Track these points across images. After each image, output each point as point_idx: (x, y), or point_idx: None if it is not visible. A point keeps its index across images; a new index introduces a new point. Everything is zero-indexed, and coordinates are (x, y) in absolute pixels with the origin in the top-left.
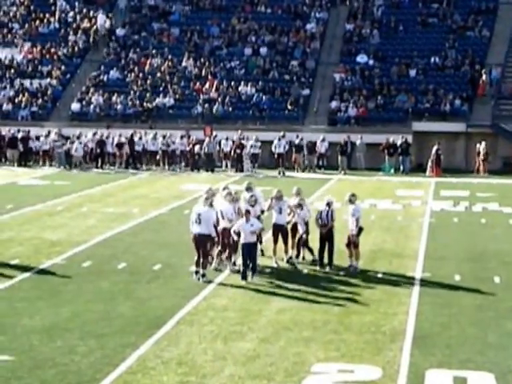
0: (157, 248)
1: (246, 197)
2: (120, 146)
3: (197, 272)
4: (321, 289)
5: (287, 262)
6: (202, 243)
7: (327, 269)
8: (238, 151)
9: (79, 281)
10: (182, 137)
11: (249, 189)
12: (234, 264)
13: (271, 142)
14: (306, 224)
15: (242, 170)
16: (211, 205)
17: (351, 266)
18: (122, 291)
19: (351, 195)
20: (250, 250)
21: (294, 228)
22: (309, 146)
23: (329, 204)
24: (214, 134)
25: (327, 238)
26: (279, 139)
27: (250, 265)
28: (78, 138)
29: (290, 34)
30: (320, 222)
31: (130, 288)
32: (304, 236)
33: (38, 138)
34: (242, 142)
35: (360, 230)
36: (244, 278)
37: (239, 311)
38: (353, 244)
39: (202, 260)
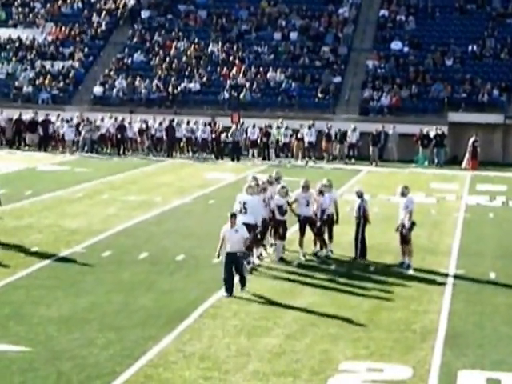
0: (180, 238)
1: (275, 188)
2: (141, 132)
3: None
4: (349, 284)
5: (315, 254)
6: (248, 232)
7: (361, 260)
8: (265, 139)
9: (99, 271)
10: (205, 124)
11: (278, 178)
12: (259, 257)
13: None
14: (323, 212)
15: (268, 159)
16: (261, 191)
17: (403, 263)
18: (143, 282)
19: (404, 187)
20: (235, 260)
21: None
22: (339, 135)
23: (362, 194)
24: (241, 121)
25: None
26: (309, 128)
27: (238, 276)
28: (68, 121)
29: (322, 18)
30: (365, 214)
31: (151, 279)
32: (318, 224)
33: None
34: (269, 130)
35: (413, 224)
36: (228, 291)
37: (264, 306)
38: (404, 239)
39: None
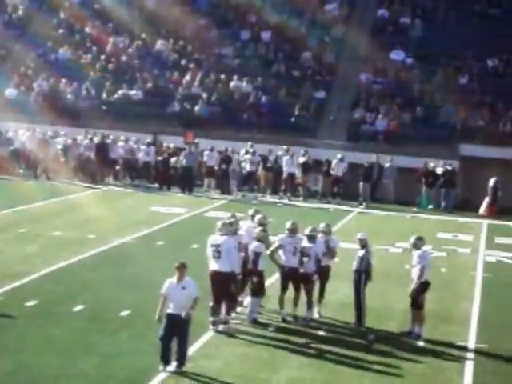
0: (123, 288)
1: (253, 230)
2: (65, 149)
3: (214, 322)
4: (344, 356)
5: (295, 317)
6: (223, 284)
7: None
8: (224, 166)
9: (23, 324)
10: (148, 143)
11: (261, 224)
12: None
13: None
14: (318, 262)
15: (228, 192)
16: (234, 233)
17: (411, 333)
18: (81, 342)
19: (417, 239)
20: (176, 325)
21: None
22: (322, 166)
23: (366, 244)
24: (196, 141)
25: None
26: (291, 156)
27: (177, 347)
28: None
29: (304, 15)
30: (368, 268)
31: (91, 339)
32: (315, 278)
33: None
34: (229, 154)
35: (425, 284)
36: (165, 361)
37: (236, 379)
38: (415, 303)
39: (224, 305)
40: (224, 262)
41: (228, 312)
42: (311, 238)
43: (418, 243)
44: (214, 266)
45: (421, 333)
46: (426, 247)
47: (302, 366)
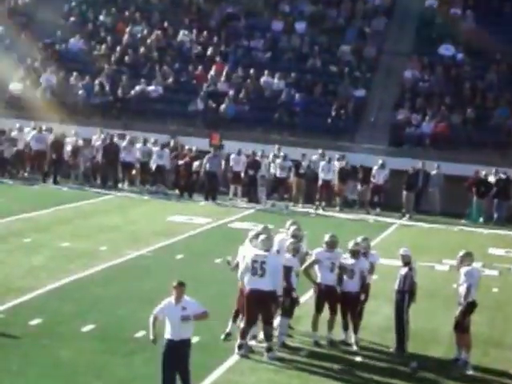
0: (138, 306)
1: (286, 243)
2: (76, 151)
3: (241, 346)
4: None
5: (343, 342)
6: (264, 304)
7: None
8: (251, 172)
9: (27, 344)
10: (163, 146)
11: (294, 236)
12: (254, 338)
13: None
14: (363, 280)
15: (256, 201)
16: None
17: (459, 360)
18: (91, 365)
19: (465, 254)
20: (177, 353)
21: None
22: (359, 172)
23: (410, 261)
24: (222, 144)
25: None
26: (328, 161)
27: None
28: None
29: (342, 4)
30: (412, 288)
31: (102, 361)
32: (362, 298)
33: None
34: (258, 158)
35: (471, 305)
36: None
37: None
38: (460, 326)
39: (264, 328)
40: (268, 280)
41: (268, 338)
42: (355, 254)
43: (466, 259)
44: (254, 283)
45: (468, 359)
46: (476, 264)
47: None
